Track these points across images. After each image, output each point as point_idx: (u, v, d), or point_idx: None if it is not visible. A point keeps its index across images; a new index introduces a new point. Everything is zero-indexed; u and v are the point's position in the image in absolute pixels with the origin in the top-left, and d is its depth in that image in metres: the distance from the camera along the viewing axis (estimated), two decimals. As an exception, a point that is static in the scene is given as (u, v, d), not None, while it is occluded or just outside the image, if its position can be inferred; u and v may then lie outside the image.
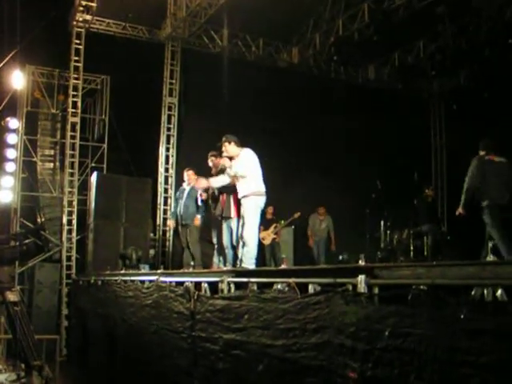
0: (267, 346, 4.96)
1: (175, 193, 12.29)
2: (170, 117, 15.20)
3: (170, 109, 15.20)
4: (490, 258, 3.36)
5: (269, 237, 13.22)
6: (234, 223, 8.63)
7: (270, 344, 4.93)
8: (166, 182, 15.07)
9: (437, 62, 15.20)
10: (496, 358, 2.99)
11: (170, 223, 11.52)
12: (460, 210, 8.58)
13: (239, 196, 8.00)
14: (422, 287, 3.63)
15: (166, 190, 14.99)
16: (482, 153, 9.43)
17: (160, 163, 15.05)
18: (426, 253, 12.59)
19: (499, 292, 3.20)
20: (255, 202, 7.81)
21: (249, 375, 5.28)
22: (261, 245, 13.31)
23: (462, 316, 3.20)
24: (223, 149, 8.19)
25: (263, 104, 14.05)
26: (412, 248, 13.46)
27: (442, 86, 18.22)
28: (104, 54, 14.38)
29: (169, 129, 15.18)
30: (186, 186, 10.96)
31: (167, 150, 15.15)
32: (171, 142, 15.18)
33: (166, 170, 15.11)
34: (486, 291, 3.27)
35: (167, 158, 15.15)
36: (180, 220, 10.78)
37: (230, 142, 8.09)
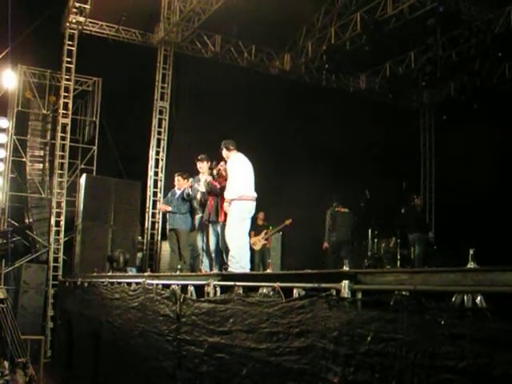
0: (251, 349, 4.99)
1: (164, 196, 12.39)
2: (160, 121, 15.22)
3: (160, 113, 15.23)
4: (471, 265, 3.41)
5: (259, 242, 13.23)
6: (219, 227, 8.68)
7: (254, 347, 4.96)
8: (156, 186, 15.08)
9: (427, 73, 15.33)
10: (474, 363, 3.04)
11: (162, 207, 11.72)
12: (325, 245, 12.75)
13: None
14: (404, 293, 3.68)
15: (155, 194, 15.00)
16: (334, 205, 12.87)
17: (150, 166, 15.07)
18: (412, 261, 12.68)
19: (479, 298, 3.26)
20: (238, 206, 7.84)
21: (232, 378, 5.31)
22: (251, 250, 13.38)
23: (443, 322, 3.25)
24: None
25: (255, 110, 14.11)
26: (399, 257, 13.57)
27: (432, 97, 18.37)
28: (96, 57, 14.41)
29: (159, 132, 15.20)
30: (176, 191, 11.00)
31: (157, 153, 15.17)
32: (161, 145, 15.20)
33: (156, 173, 15.12)
34: (466, 298, 3.33)
35: (157, 161, 15.17)
36: (168, 224, 10.87)
37: (223, 148, 8.34)
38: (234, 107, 14.33)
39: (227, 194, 7.91)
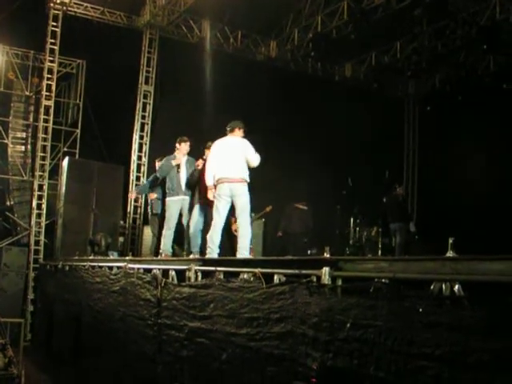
0: (231, 334, 5.03)
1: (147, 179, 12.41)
2: (145, 105, 15.12)
3: (145, 97, 15.12)
4: (450, 254, 3.45)
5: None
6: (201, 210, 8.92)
7: (234, 332, 4.99)
8: (139, 170, 15.00)
9: (413, 63, 15.38)
10: (450, 351, 3.09)
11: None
12: (279, 233, 13.61)
13: None
14: (383, 280, 3.72)
15: (138, 178, 14.92)
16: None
17: (133, 151, 14.98)
18: (393, 250, 12.78)
19: (457, 287, 3.30)
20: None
21: (212, 363, 5.34)
22: (233, 236, 13.40)
23: (421, 309, 3.29)
24: None
25: (238, 96, 14.04)
26: (380, 245, 13.67)
27: (417, 88, 18.43)
28: (81, 39, 14.23)
29: (143, 117, 15.11)
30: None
31: (141, 137, 15.08)
32: (145, 130, 15.11)
33: (139, 157, 15.05)
34: (444, 286, 3.37)
35: (141, 145, 15.08)
36: (151, 209, 10.92)
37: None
38: (218, 93, 14.27)
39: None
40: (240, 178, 7.69)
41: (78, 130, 15.15)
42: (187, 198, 9.49)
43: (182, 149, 9.71)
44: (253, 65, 15.81)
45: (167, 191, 9.60)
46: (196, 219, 8.95)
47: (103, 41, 14.10)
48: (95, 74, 14.77)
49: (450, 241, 3.47)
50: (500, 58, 15.01)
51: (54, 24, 14.00)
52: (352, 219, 14.13)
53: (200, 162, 9.14)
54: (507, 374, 2.81)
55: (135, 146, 15.01)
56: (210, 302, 5.41)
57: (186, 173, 9.55)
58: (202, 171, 8.54)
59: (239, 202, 7.65)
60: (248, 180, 7.79)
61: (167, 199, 9.60)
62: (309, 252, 12.62)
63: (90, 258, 11.03)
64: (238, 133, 8.08)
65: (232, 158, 7.76)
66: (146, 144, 15.09)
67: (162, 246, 9.29)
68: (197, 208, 9.00)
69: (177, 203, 9.47)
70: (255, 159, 7.87)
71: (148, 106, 15.14)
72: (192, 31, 15.36)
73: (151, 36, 15.16)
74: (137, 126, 15.01)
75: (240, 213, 7.63)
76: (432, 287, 3.42)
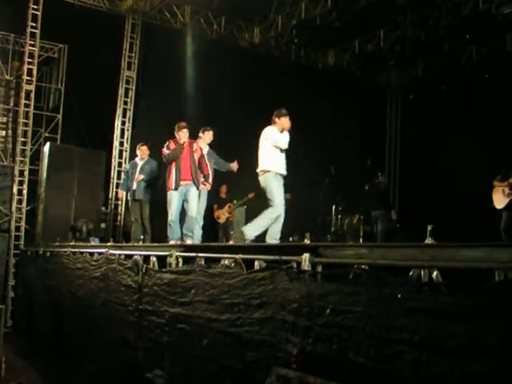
0: (212, 320, 5.04)
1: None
2: (127, 90, 15.01)
3: (127, 82, 15.00)
4: (429, 241, 3.49)
5: (223, 216, 13.33)
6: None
7: (214, 318, 5.01)
8: (121, 156, 14.93)
9: (396, 52, 15.41)
10: (428, 336, 3.13)
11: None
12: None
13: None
14: (363, 267, 3.75)
15: (119, 164, 14.85)
16: None
17: (115, 137, 14.89)
18: (375, 238, 12.85)
19: (435, 273, 3.34)
20: None
21: (193, 349, 5.36)
22: (215, 223, 13.44)
23: (400, 295, 3.33)
24: None
25: (222, 82, 14.00)
26: (362, 233, 13.75)
27: (400, 77, 18.48)
28: (62, 23, 14.04)
29: (125, 102, 15.00)
30: (138, 161, 11.02)
31: (123, 123, 14.98)
32: (127, 115, 15.01)
33: (121, 143, 14.96)
34: (422, 272, 3.41)
35: (122, 131, 14.99)
36: (132, 195, 10.90)
37: None
38: (201, 79, 14.21)
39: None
40: (260, 171, 7.92)
41: (60, 116, 15.01)
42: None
43: (205, 137, 9.68)
44: (236, 51, 15.74)
45: None
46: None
47: (85, 25, 13.92)
48: (77, 58, 14.61)
49: (429, 228, 3.50)
50: (482, 49, 15.10)
51: (35, 7, 13.78)
52: (334, 207, 14.20)
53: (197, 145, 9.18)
54: (483, 357, 2.85)
55: (117, 132, 14.92)
56: (191, 287, 5.42)
57: (209, 162, 9.47)
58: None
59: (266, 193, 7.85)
60: (266, 169, 7.88)
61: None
62: (290, 239, 12.67)
63: (72, 244, 11.00)
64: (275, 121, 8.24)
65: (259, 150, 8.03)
66: (128, 130, 15.00)
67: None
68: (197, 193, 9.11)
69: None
70: (280, 142, 8.00)
71: (130, 91, 15.03)
72: (175, 17, 15.25)
73: (134, 21, 15.02)
74: (119, 112, 14.91)
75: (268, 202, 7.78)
76: (411, 274, 3.46)
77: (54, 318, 10.09)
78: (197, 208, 9.10)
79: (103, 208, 14.42)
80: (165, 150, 9.03)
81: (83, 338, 8.60)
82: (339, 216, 14.20)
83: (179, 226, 8.99)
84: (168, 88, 14.13)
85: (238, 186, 13.53)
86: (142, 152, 11.02)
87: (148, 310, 6.35)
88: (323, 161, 14.29)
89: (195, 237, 8.91)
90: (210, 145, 9.96)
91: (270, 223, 7.71)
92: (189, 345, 5.43)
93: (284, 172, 8.00)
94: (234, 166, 10.06)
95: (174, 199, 8.90)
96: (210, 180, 9.43)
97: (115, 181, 14.75)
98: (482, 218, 11.15)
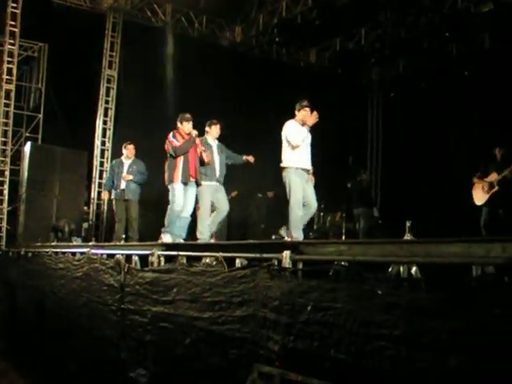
0: (194, 318, 5.04)
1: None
2: (108, 89, 14.95)
3: (108, 81, 14.94)
4: (408, 237, 3.52)
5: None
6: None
7: (197, 317, 5.00)
8: (102, 156, 14.86)
9: (377, 50, 15.50)
10: (408, 331, 3.15)
11: (105, 195, 11.56)
12: None
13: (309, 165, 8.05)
14: (343, 263, 3.77)
15: (101, 164, 14.79)
16: None
17: (97, 136, 14.83)
18: (357, 235, 12.91)
19: (414, 269, 3.37)
20: None
21: (176, 347, 5.35)
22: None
23: (379, 291, 3.35)
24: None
25: (203, 81, 13.98)
26: (344, 230, 13.80)
27: (381, 74, 18.57)
28: (42, 21, 13.96)
29: (107, 101, 14.94)
30: (124, 160, 10.97)
31: (104, 123, 14.92)
32: (109, 115, 14.95)
33: (103, 143, 14.90)
34: (402, 268, 3.44)
35: (104, 131, 14.93)
36: (119, 194, 10.82)
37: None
38: (183, 78, 14.18)
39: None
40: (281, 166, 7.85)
41: (41, 115, 14.90)
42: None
43: (213, 132, 9.18)
44: (218, 50, 15.73)
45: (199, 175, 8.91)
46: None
47: (66, 24, 13.84)
48: (58, 57, 14.52)
49: (408, 224, 3.54)
50: (462, 46, 15.21)
51: (14, 5, 13.64)
52: (316, 204, 14.21)
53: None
54: (462, 352, 2.88)
55: (99, 132, 14.85)
56: (173, 286, 5.42)
57: (219, 158, 9.06)
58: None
59: None
60: (284, 165, 7.88)
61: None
62: (273, 237, 12.69)
63: (53, 244, 10.93)
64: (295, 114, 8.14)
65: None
66: (109, 129, 14.94)
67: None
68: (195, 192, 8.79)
69: (210, 188, 8.91)
70: (290, 139, 7.90)
71: (112, 90, 14.97)
72: (156, 15, 15.21)
73: (115, 20, 14.95)
74: (100, 111, 14.84)
75: None
76: (390, 269, 3.49)
77: (36, 319, 10.02)
78: (192, 208, 8.81)
79: (85, 208, 14.36)
80: (174, 141, 8.56)
81: (66, 338, 8.55)
82: (321, 213, 14.24)
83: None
84: (149, 87, 14.11)
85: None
86: (129, 151, 10.97)
87: (130, 310, 6.33)
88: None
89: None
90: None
91: (297, 219, 7.69)
92: (171, 343, 5.43)
93: (305, 166, 7.88)
94: (250, 158, 9.54)
95: (180, 192, 8.51)
96: (218, 175, 8.96)
97: (97, 180, 14.69)
98: (463, 214, 11.27)
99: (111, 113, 14.96)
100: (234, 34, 16.10)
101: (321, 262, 4.00)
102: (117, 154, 12.26)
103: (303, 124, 7.96)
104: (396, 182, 16.55)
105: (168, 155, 8.67)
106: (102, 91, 14.87)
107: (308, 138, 8.05)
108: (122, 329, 6.53)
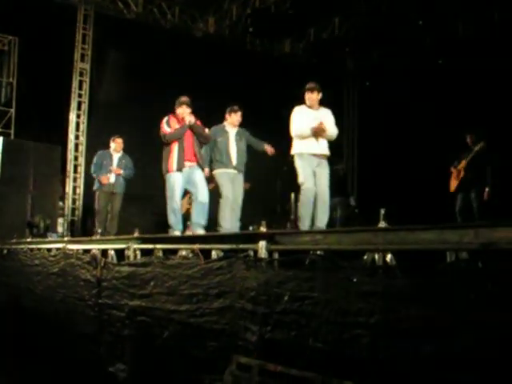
0: (172, 311, 5.03)
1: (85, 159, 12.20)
2: (81, 83, 14.77)
3: (81, 74, 14.77)
4: (382, 224, 3.54)
5: (183, 207, 13.33)
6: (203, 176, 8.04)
7: (174, 310, 5.00)
8: (76, 150, 14.70)
9: (351, 39, 15.53)
10: (384, 319, 3.17)
11: (105, 179, 10.67)
12: None
13: (320, 151, 7.62)
14: (319, 253, 3.78)
15: (76, 158, 14.64)
16: None
17: (70, 130, 14.66)
18: (334, 225, 12.95)
19: (389, 256, 3.39)
20: None
21: (154, 341, 5.34)
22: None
23: (355, 279, 3.37)
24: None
25: (176, 72, 13.90)
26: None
27: (355, 64, 18.61)
28: (12, 14, 13.73)
29: (80, 95, 14.76)
30: (113, 153, 10.86)
31: (78, 116, 14.75)
32: (82, 108, 14.78)
33: (77, 137, 14.73)
34: (377, 256, 3.45)
35: (78, 124, 14.76)
36: (108, 187, 10.63)
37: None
38: (157, 69, 14.08)
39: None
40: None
41: (13, 110, 14.67)
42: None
43: (233, 119, 8.79)
44: (191, 41, 15.64)
45: (215, 163, 8.54)
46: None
47: (36, 17, 13.63)
48: (29, 51, 14.31)
49: (382, 212, 3.55)
50: (436, 34, 15.29)
51: (-17, -1, 13.46)
52: (293, 194, 14.24)
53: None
54: (437, 338, 2.91)
55: (72, 125, 14.68)
56: (150, 279, 5.40)
57: (236, 145, 8.66)
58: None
59: None
60: (293, 153, 7.70)
61: (216, 171, 8.51)
62: (250, 228, 12.69)
63: (29, 240, 10.82)
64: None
65: None
66: (83, 123, 14.78)
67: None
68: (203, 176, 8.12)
69: (227, 175, 8.45)
70: (291, 129, 7.74)
71: (84, 83, 14.80)
72: (128, 7, 15.06)
73: (86, 12, 14.77)
74: (73, 105, 14.67)
75: None
76: (365, 257, 3.51)
77: (14, 316, 9.93)
78: (207, 192, 7.97)
79: (60, 203, 14.21)
80: (165, 128, 7.95)
81: (44, 335, 8.49)
82: (298, 204, 14.23)
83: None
84: (123, 79, 13.97)
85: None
86: (118, 145, 10.83)
87: (108, 304, 6.31)
88: (281, 149, 14.30)
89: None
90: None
91: (309, 206, 7.40)
92: (150, 337, 5.41)
93: (311, 150, 7.53)
94: (270, 149, 9.11)
95: (177, 182, 7.78)
96: (236, 163, 8.53)
97: (72, 175, 14.55)
98: (439, 202, 11.37)
99: (84, 106, 14.79)
100: (207, 25, 16.00)
101: (297, 252, 4.01)
102: (91, 147, 12.15)
103: (310, 107, 7.74)
104: (372, 170, 16.63)
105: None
106: (75, 84, 14.69)
107: (317, 119, 7.66)
108: (100, 324, 6.50)
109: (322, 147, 7.61)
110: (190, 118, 7.94)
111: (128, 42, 14.22)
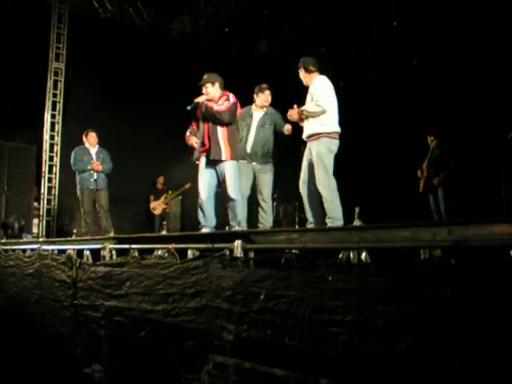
0: (148, 311, 5.02)
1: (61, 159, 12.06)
2: (56, 82, 14.61)
3: (56, 74, 14.61)
4: (357, 223, 3.57)
5: (159, 207, 13.35)
6: (227, 168, 7.08)
7: (150, 309, 4.99)
8: (52, 150, 14.54)
9: (326, 39, 15.59)
10: (359, 316, 3.20)
11: (97, 165, 10.46)
12: None
13: (305, 136, 6.90)
14: (294, 251, 3.80)
15: (51, 158, 14.48)
16: None
17: (45, 130, 14.50)
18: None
19: (364, 255, 3.42)
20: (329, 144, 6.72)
21: (131, 341, 5.32)
22: (152, 215, 13.40)
23: (330, 278, 3.39)
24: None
25: (152, 72, 13.85)
26: (297, 220, 13.87)
27: (331, 63, 18.66)
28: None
29: (55, 95, 14.60)
30: (90, 147, 10.74)
31: (53, 116, 14.58)
32: (57, 108, 14.61)
33: (52, 137, 14.57)
34: (352, 254, 3.48)
35: (53, 124, 14.60)
36: (93, 184, 10.47)
37: (300, 68, 7.15)
38: (130, 69, 14.01)
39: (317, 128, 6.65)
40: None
41: (-14, 110, 14.54)
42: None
43: (261, 99, 7.96)
44: (167, 41, 15.58)
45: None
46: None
47: (9, 15, 13.48)
48: (2, 50, 14.15)
49: (357, 210, 3.58)
50: (410, 35, 15.41)
51: (-44, -3, 13.27)
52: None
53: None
54: (412, 335, 2.94)
55: (47, 126, 14.53)
56: (126, 280, 5.38)
57: (256, 132, 7.90)
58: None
59: None
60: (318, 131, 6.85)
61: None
62: (227, 228, 12.71)
63: (3, 241, 10.71)
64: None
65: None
66: (58, 123, 14.62)
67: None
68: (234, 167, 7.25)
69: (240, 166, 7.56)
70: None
71: (59, 83, 14.64)
72: (103, 6, 14.94)
73: (60, 11, 14.62)
74: (48, 105, 14.50)
75: None
76: (340, 256, 3.53)
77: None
78: (239, 186, 7.25)
79: (35, 203, 14.07)
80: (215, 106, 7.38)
81: (18, 337, 8.41)
82: (274, 203, 14.27)
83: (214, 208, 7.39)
84: (98, 79, 13.87)
85: (174, 177, 13.49)
86: (93, 138, 10.66)
87: (83, 305, 6.27)
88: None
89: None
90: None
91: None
92: (126, 337, 5.40)
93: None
94: (288, 129, 7.95)
95: (200, 175, 7.34)
96: (250, 152, 7.79)
97: (47, 175, 14.39)
98: (415, 201, 11.51)
99: (59, 106, 14.64)
100: (182, 25, 15.94)
101: (272, 251, 4.02)
102: (66, 147, 12.04)
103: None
104: (348, 169, 16.68)
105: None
106: (50, 84, 14.53)
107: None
108: (76, 325, 6.46)
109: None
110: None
111: (103, 42, 14.13)
